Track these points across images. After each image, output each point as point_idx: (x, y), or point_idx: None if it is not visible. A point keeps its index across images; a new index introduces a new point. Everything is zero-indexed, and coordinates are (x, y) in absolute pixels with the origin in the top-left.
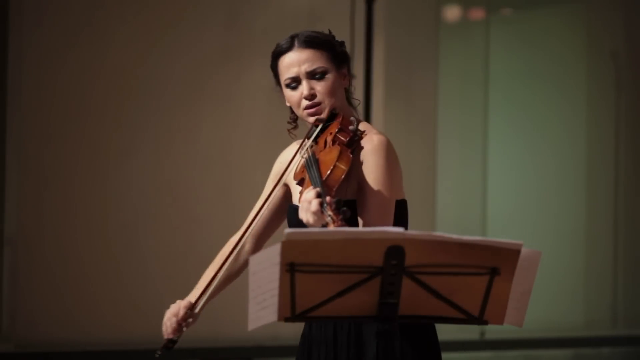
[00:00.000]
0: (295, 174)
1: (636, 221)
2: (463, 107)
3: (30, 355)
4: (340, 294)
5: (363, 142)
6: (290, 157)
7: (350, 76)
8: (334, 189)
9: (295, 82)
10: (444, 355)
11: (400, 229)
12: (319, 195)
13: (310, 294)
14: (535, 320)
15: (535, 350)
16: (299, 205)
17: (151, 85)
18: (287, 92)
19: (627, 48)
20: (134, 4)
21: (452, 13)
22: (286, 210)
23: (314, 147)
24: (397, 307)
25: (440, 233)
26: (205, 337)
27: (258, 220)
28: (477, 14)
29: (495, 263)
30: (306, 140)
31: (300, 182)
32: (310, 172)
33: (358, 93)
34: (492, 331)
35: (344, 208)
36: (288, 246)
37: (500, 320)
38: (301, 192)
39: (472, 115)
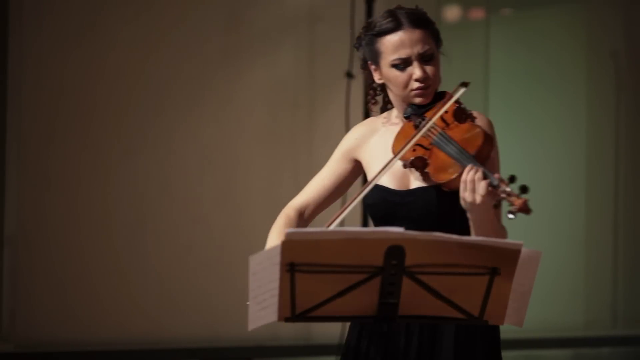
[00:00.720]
0: (402, 152)
1: (636, 221)
2: None
3: (30, 355)
4: (340, 294)
5: (478, 120)
6: (355, 142)
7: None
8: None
9: (405, 64)
10: None
11: (400, 229)
12: (484, 175)
13: (310, 294)
14: (535, 320)
15: (535, 350)
16: (461, 185)
17: (151, 85)
18: (393, 73)
19: (627, 48)
20: (135, 5)
21: (452, 13)
22: (348, 185)
23: (436, 127)
24: (397, 307)
25: (440, 233)
26: (205, 337)
27: (321, 189)
28: (477, 14)
29: (495, 263)
30: (406, 118)
31: (413, 164)
32: (448, 149)
33: (358, 93)
34: None
35: (523, 184)
36: (288, 246)
37: (500, 320)
38: (425, 172)
39: None
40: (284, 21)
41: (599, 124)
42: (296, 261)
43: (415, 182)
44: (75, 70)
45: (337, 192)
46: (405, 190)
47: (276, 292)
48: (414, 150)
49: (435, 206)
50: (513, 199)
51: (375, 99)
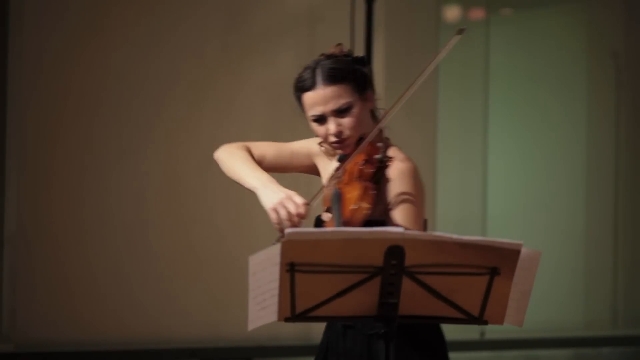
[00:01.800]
0: (324, 198)
1: (636, 221)
2: (463, 107)
3: (30, 355)
4: (340, 294)
5: (390, 168)
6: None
7: (374, 94)
8: None
9: (321, 120)
10: None
11: (400, 229)
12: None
13: (310, 294)
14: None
15: (535, 350)
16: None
17: (151, 85)
18: (314, 126)
19: (627, 48)
20: (135, 5)
21: (452, 13)
22: (290, 167)
23: (340, 179)
24: (397, 307)
25: (440, 233)
26: (205, 337)
27: (271, 154)
28: (477, 14)
29: (495, 263)
30: (335, 168)
31: (328, 210)
32: (334, 207)
33: None
34: (492, 331)
35: None
36: (288, 246)
37: (500, 320)
38: (324, 225)
39: (472, 115)
40: (284, 21)
41: (599, 124)
42: (296, 261)
43: None
44: (75, 70)
45: (280, 166)
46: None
47: (276, 292)
48: (329, 200)
49: None
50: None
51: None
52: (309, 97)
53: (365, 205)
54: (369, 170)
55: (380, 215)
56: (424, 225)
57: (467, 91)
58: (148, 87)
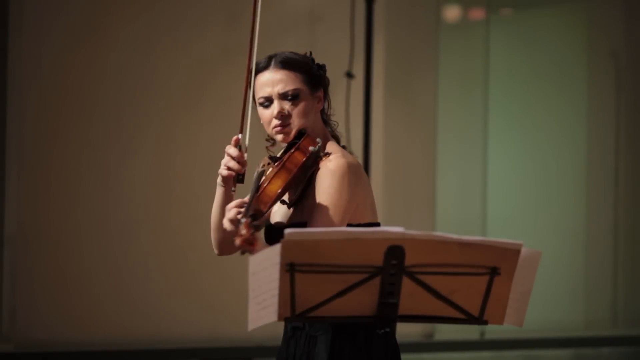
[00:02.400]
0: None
1: (636, 221)
2: (463, 107)
3: (30, 355)
4: (340, 294)
5: (321, 165)
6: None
7: (327, 99)
8: (267, 205)
9: (268, 102)
10: (445, 355)
11: (400, 229)
12: (240, 206)
13: (310, 294)
14: (535, 320)
15: (535, 350)
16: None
17: (151, 85)
18: (260, 110)
19: (627, 48)
20: (135, 5)
21: (452, 13)
22: None
23: (270, 164)
24: (397, 307)
25: (440, 233)
26: (205, 337)
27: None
28: (477, 14)
29: (495, 263)
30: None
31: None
32: (253, 185)
33: (358, 93)
34: (492, 331)
35: (256, 222)
36: (288, 246)
37: (500, 320)
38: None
39: (472, 115)
40: (284, 21)
41: (599, 124)
42: (296, 261)
43: (281, 216)
44: (75, 70)
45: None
46: (280, 224)
47: (276, 292)
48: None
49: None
50: (240, 233)
51: (273, 140)
52: (259, 79)
53: (275, 184)
54: (299, 158)
55: (297, 208)
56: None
57: (467, 91)
58: (147, 87)
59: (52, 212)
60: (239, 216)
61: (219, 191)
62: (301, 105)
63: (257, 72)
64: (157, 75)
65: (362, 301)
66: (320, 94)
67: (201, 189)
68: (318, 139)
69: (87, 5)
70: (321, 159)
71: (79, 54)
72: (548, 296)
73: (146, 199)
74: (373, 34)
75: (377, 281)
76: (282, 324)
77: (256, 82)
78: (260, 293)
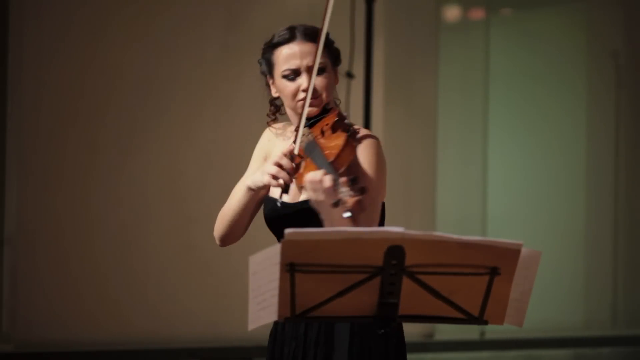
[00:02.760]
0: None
1: (636, 221)
2: (463, 107)
3: (30, 356)
4: (340, 294)
5: (359, 137)
6: (268, 144)
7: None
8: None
9: (294, 74)
10: (445, 355)
11: (400, 229)
12: (326, 176)
13: (310, 294)
14: (535, 320)
15: (535, 350)
16: (305, 185)
17: (151, 85)
18: (283, 83)
19: (627, 48)
20: (135, 4)
21: (452, 13)
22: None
23: (310, 135)
24: (397, 307)
25: (440, 233)
26: (205, 337)
27: None
28: (477, 14)
29: (495, 263)
30: (295, 131)
31: (297, 167)
32: (313, 156)
33: (358, 93)
34: (492, 331)
35: (361, 185)
36: (288, 246)
37: (500, 320)
38: (298, 177)
39: (472, 115)
40: (284, 21)
41: (599, 124)
42: (296, 261)
43: (304, 194)
44: (76, 71)
45: (260, 197)
46: (292, 202)
47: (276, 292)
48: (299, 156)
49: (316, 218)
50: (347, 198)
51: (275, 115)
52: (284, 50)
53: (348, 152)
54: (345, 129)
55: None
56: (382, 209)
57: (467, 91)
58: (148, 87)
59: (53, 212)
60: (338, 182)
61: (249, 194)
62: (327, 79)
63: (279, 44)
64: (158, 75)
65: (362, 301)
66: (337, 70)
67: (203, 189)
68: (345, 113)
69: (88, 6)
70: (355, 132)
71: (79, 54)
72: (548, 296)
73: (146, 199)
74: (373, 34)
75: (377, 281)
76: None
77: (278, 54)
78: (260, 293)
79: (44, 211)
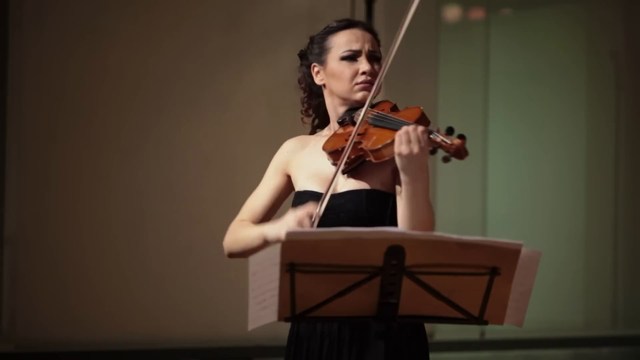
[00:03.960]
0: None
1: (636, 221)
2: (463, 107)
3: (30, 355)
4: (340, 294)
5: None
6: (288, 154)
7: None
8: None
9: (355, 56)
10: (444, 355)
11: (400, 229)
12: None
13: (310, 294)
14: (535, 320)
15: (535, 350)
16: (396, 139)
17: (152, 85)
18: (341, 65)
19: (627, 48)
20: (135, 5)
21: (452, 13)
22: (283, 199)
23: (373, 111)
24: (397, 307)
25: (440, 233)
26: (205, 337)
27: (259, 208)
28: (477, 14)
29: (495, 263)
30: (356, 115)
31: (351, 159)
32: (385, 123)
33: None
34: (492, 331)
35: (461, 133)
36: (288, 246)
37: (500, 320)
38: (360, 150)
39: (472, 115)
40: (284, 21)
41: (599, 124)
42: (296, 261)
43: (344, 186)
44: (76, 71)
45: (274, 208)
46: (334, 194)
47: (276, 292)
48: (364, 131)
49: (365, 209)
50: (448, 143)
51: (309, 112)
52: (346, 34)
53: (417, 108)
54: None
55: (386, 187)
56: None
57: (467, 91)
58: (147, 86)
59: (52, 212)
60: (433, 130)
61: (262, 243)
62: (380, 70)
63: (339, 28)
64: (157, 75)
65: (362, 301)
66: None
67: (201, 189)
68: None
69: (88, 5)
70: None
71: (79, 54)
72: (548, 296)
73: (146, 199)
74: None
75: (377, 281)
76: (282, 324)
77: (338, 38)
78: (260, 293)
79: (44, 211)
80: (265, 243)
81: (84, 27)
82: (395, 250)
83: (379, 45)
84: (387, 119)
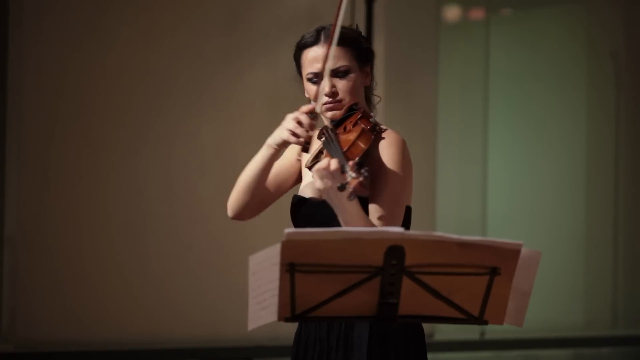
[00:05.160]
0: (308, 160)
1: (636, 221)
2: (463, 107)
3: (30, 355)
4: (340, 294)
5: (384, 136)
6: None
7: (372, 75)
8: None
9: (317, 77)
10: (444, 355)
11: (400, 229)
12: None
13: (310, 294)
14: (535, 320)
15: (535, 350)
16: (314, 173)
17: (151, 85)
18: (308, 85)
19: (627, 48)
20: (135, 5)
21: (452, 13)
22: (284, 177)
23: (332, 132)
24: (397, 307)
25: (440, 233)
26: (205, 337)
27: (271, 174)
28: (477, 14)
29: (495, 263)
30: (324, 130)
31: (315, 163)
32: (329, 148)
33: None
34: (492, 331)
35: (366, 168)
36: (288, 246)
37: (500, 320)
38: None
39: (472, 115)
40: (284, 21)
41: (599, 124)
42: (296, 261)
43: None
44: (76, 71)
45: (275, 178)
46: (316, 200)
47: (276, 292)
48: (319, 152)
49: (333, 215)
50: (349, 180)
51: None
52: (308, 54)
53: (362, 143)
54: (365, 124)
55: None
56: (407, 213)
57: (467, 91)
58: (147, 87)
59: (52, 212)
60: (345, 165)
61: (267, 153)
62: (351, 82)
63: (305, 46)
64: (157, 76)
65: (362, 301)
66: (368, 69)
67: (202, 189)
68: (372, 113)
69: (88, 5)
70: (380, 130)
71: (79, 54)
72: (548, 296)
73: (146, 199)
74: (373, 34)
75: (377, 281)
76: (282, 324)
77: (304, 57)
78: (260, 293)
79: (44, 211)
80: (271, 152)
81: (84, 27)
82: (395, 250)
83: (355, 51)
84: (330, 145)
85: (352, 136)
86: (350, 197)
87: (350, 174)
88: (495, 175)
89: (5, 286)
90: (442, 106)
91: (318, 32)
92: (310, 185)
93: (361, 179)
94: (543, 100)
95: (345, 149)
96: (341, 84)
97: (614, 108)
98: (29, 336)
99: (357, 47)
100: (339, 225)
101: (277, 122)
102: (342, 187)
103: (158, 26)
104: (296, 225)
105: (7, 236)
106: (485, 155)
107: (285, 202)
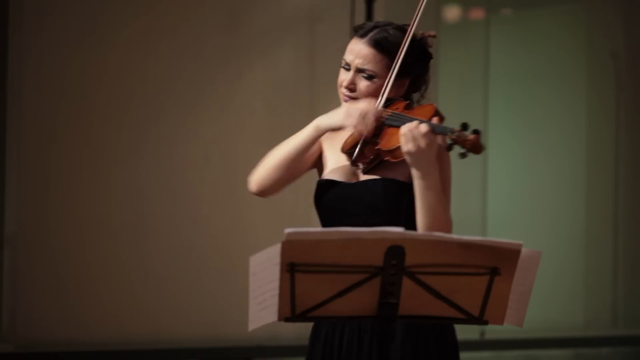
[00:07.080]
0: (345, 145)
1: (636, 221)
2: (463, 107)
3: (30, 356)
4: (341, 294)
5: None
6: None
7: (424, 83)
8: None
9: (347, 67)
10: None
11: (400, 229)
12: (424, 123)
13: (311, 294)
14: (535, 320)
15: (535, 350)
16: (401, 137)
17: (151, 85)
18: (341, 70)
19: (627, 48)
20: (135, 5)
21: (452, 13)
22: (312, 164)
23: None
24: (397, 307)
25: (440, 233)
26: (205, 337)
27: None
28: (477, 14)
29: (495, 263)
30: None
31: (352, 148)
32: (402, 122)
33: None
34: (492, 331)
35: (476, 128)
36: (288, 246)
37: (500, 320)
38: (376, 150)
39: (472, 115)
40: (284, 21)
41: (599, 124)
42: (296, 261)
43: (364, 175)
44: (76, 71)
45: (307, 157)
46: (353, 182)
47: (276, 292)
48: (377, 128)
49: (382, 197)
50: (463, 138)
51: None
52: (351, 42)
53: (431, 106)
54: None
55: (408, 179)
56: None
57: (467, 91)
58: (147, 87)
59: (53, 212)
60: (438, 132)
61: (315, 134)
62: (371, 86)
63: (354, 33)
64: (157, 76)
65: (363, 301)
66: (406, 81)
67: (201, 189)
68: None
69: (87, 5)
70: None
71: (79, 54)
72: (548, 296)
73: (146, 199)
74: None
75: (377, 281)
76: (283, 324)
77: (349, 43)
78: (260, 293)
79: (44, 211)
80: (319, 134)
81: (84, 27)
82: (395, 250)
83: (390, 59)
84: (401, 118)
85: (426, 111)
86: (463, 155)
87: (455, 130)
88: (495, 175)
89: (5, 286)
90: (442, 106)
91: (373, 27)
92: (340, 169)
93: (478, 135)
94: (543, 100)
95: (428, 119)
96: (362, 84)
97: (614, 108)
98: (29, 336)
99: (394, 57)
100: (384, 204)
101: (277, 122)
102: (450, 147)
103: (158, 26)
104: (321, 209)
105: (7, 236)
106: (485, 155)
107: (285, 202)
